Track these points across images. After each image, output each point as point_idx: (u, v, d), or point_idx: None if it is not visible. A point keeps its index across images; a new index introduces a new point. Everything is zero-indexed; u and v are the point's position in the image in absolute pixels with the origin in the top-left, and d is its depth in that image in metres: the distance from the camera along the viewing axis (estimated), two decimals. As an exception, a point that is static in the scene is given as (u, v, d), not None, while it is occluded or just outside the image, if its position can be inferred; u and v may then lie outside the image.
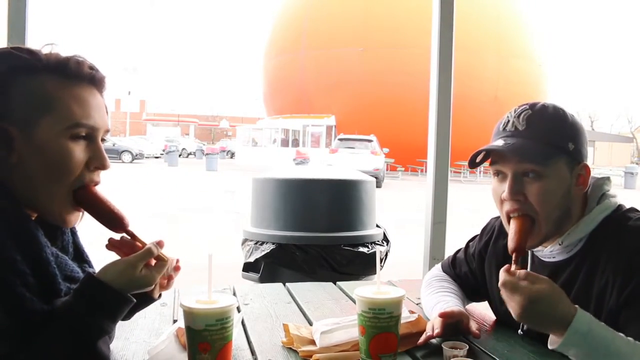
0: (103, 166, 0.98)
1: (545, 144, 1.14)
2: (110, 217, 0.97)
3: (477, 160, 1.21)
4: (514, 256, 1.10)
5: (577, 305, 1.01)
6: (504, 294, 1.04)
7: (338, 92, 28.12)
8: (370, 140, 19.88)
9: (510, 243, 1.14)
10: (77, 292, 0.89)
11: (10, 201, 0.90)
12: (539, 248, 1.22)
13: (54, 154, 0.92)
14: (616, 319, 1.06)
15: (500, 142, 1.17)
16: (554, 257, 1.21)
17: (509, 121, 1.19)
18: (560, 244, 1.18)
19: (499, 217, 1.30)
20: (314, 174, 3.04)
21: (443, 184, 2.44)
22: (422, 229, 2.51)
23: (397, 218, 9.11)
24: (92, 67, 0.98)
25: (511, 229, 1.15)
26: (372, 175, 3.46)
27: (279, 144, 29.64)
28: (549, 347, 1.03)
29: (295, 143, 28.64)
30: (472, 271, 1.45)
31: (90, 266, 1.08)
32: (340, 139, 20.30)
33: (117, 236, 1.00)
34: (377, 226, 3.04)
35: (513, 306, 1.01)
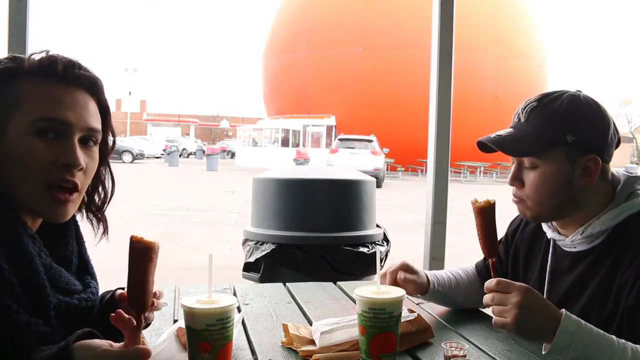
0: (72, 164, 0.92)
1: (539, 136, 1.17)
2: (141, 291, 0.86)
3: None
4: (491, 264, 1.13)
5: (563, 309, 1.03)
6: (495, 309, 1.05)
7: (338, 92, 28.10)
8: (370, 140, 19.87)
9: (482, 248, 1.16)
10: (51, 358, 0.81)
11: (1, 209, 0.89)
12: (561, 237, 1.25)
13: (19, 150, 0.90)
14: (632, 318, 1.08)
15: (501, 133, 1.23)
16: (575, 247, 1.23)
17: (517, 112, 1.25)
18: (581, 234, 1.20)
19: None
20: (314, 174, 3.05)
21: (443, 184, 2.44)
22: (422, 229, 2.51)
23: (397, 218, 9.12)
24: (68, 65, 0.95)
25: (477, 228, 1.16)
26: (372, 175, 3.46)
27: (279, 144, 29.62)
28: (543, 352, 1.04)
29: (296, 143, 28.63)
30: (499, 259, 1.46)
31: (94, 278, 1.06)
32: (341, 139, 20.29)
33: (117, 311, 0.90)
34: (377, 226, 3.04)
35: (507, 319, 1.02)
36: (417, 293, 1.38)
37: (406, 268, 1.35)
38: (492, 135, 1.24)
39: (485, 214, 1.12)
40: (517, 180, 1.22)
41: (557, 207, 1.20)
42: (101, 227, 1.07)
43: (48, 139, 0.91)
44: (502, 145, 1.21)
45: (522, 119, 1.22)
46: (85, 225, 1.06)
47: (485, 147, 1.26)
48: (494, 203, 1.12)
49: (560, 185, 1.17)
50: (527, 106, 1.22)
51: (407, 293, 1.36)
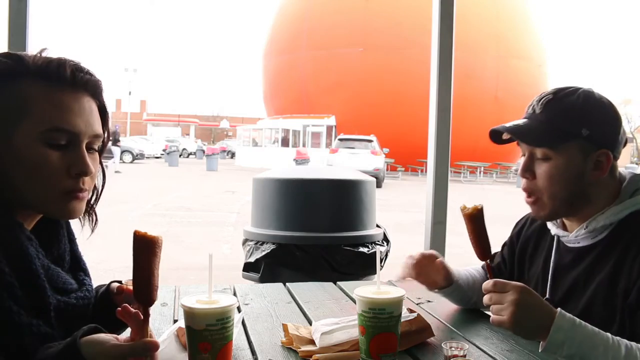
0: (84, 172, 0.93)
1: (555, 128, 1.18)
2: (147, 285, 0.86)
3: (504, 137, 1.27)
4: (486, 266, 1.17)
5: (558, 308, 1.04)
6: (493, 308, 1.07)
7: (338, 92, 28.09)
8: (370, 140, 19.86)
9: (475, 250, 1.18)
10: (59, 355, 0.82)
11: (0, 211, 0.89)
12: (565, 233, 1.26)
13: (30, 160, 0.90)
14: (634, 315, 1.09)
15: (517, 122, 1.23)
16: (578, 243, 1.24)
17: (531, 104, 1.25)
18: (584, 229, 1.21)
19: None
20: (314, 174, 3.05)
21: (443, 184, 2.44)
22: (422, 229, 2.51)
23: (397, 218, 9.12)
24: (76, 70, 0.95)
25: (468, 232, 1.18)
26: (372, 175, 3.46)
27: (279, 144, 29.61)
28: (540, 350, 1.06)
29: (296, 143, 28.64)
30: (504, 260, 1.48)
31: (87, 274, 1.07)
32: (341, 139, 20.29)
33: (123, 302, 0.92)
34: (377, 226, 3.04)
35: (504, 316, 1.04)
36: (443, 284, 1.40)
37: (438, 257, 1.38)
38: (508, 124, 1.24)
39: (475, 219, 1.15)
40: (528, 171, 1.22)
41: (568, 200, 1.20)
42: (91, 221, 1.08)
43: (59, 148, 0.92)
44: (520, 133, 1.21)
45: (538, 110, 1.22)
46: (73, 221, 1.06)
47: (497, 137, 1.26)
48: (482, 208, 1.15)
49: (572, 177, 1.18)
50: (542, 98, 1.22)
51: (433, 284, 1.40)
